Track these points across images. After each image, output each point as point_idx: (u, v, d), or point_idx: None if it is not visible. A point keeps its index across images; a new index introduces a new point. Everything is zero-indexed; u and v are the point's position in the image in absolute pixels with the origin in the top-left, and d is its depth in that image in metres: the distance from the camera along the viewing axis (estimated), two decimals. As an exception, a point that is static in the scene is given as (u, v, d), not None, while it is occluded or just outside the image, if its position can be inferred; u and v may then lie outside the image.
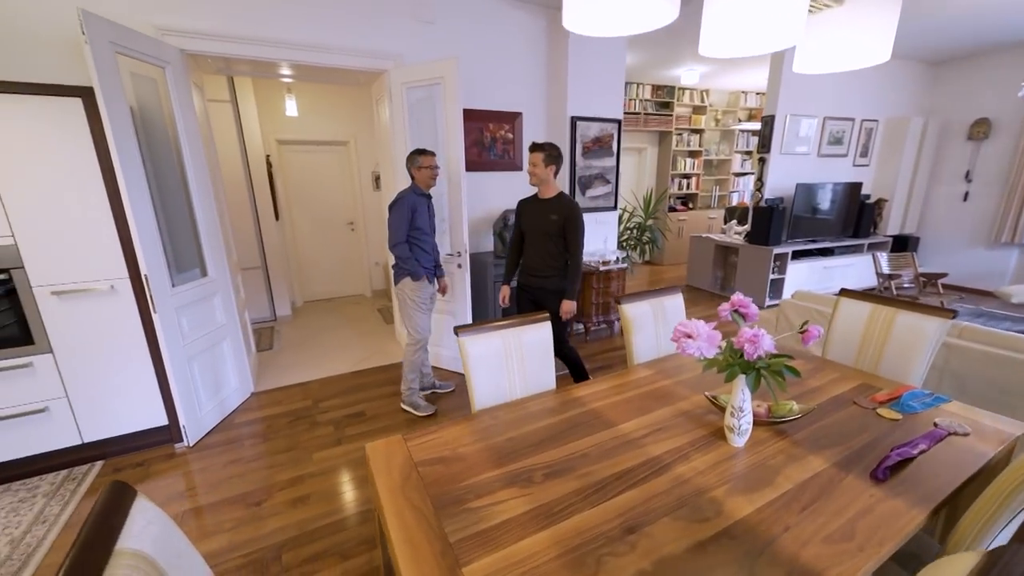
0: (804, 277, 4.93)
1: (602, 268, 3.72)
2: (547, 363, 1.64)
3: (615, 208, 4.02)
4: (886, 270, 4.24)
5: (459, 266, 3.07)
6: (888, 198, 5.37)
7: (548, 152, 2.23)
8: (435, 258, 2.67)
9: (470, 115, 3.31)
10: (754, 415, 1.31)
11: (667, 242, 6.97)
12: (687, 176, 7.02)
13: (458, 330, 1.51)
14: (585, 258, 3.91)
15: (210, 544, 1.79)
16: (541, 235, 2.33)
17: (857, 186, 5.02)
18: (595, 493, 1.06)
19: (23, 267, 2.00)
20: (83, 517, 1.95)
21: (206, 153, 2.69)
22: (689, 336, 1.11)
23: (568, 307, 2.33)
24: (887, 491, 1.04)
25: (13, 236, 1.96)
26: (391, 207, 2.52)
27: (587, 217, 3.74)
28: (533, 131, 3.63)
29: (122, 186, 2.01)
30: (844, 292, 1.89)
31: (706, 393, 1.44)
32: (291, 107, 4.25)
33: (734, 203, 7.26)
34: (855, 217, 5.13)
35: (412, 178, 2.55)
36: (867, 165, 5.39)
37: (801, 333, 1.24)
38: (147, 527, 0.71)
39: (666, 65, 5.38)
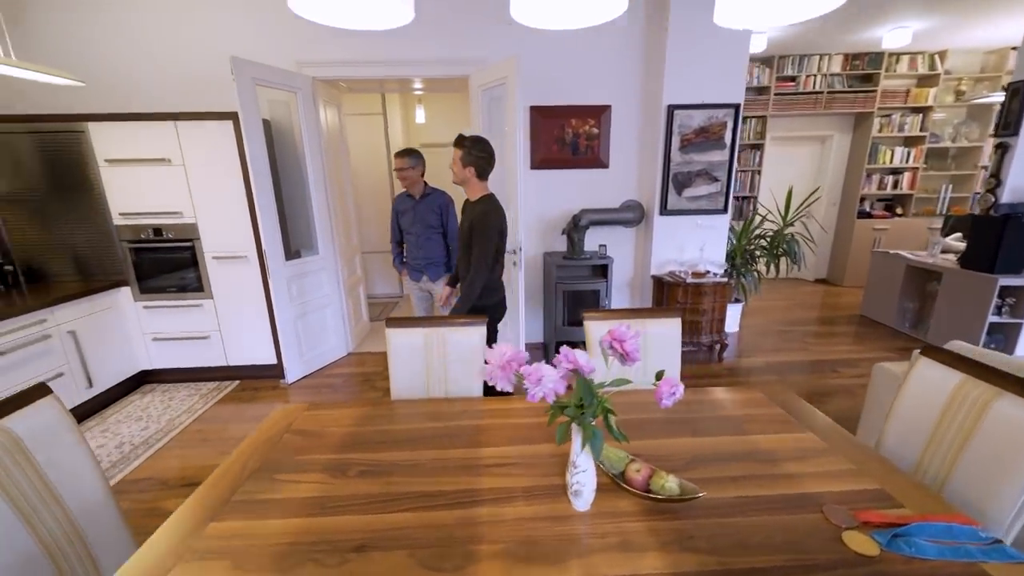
0: (1070, 327, 3.19)
1: (690, 280, 3.18)
2: (472, 368, 1.58)
3: (724, 211, 3.36)
4: None
5: (514, 264, 3.09)
6: None
7: (467, 150, 1.97)
8: (421, 256, 2.77)
9: (549, 112, 3.26)
10: (628, 481, 1.04)
11: (849, 258, 5.40)
12: (896, 171, 5.26)
13: (388, 321, 1.60)
14: (674, 267, 3.42)
15: (252, 458, 2.33)
16: (461, 243, 2.07)
17: None
18: (380, 503, 1.03)
19: (200, 238, 2.93)
20: (212, 415, 2.78)
21: (331, 158, 3.38)
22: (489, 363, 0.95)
23: None
24: (701, 637, 0.71)
25: (195, 216, 2.90)
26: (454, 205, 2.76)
27: (684, 220, 3.28)
28: (623, 124, 3.33)
29: (253, 184, 2.74)
30: (928, 351, 1.23)
31: None
32: (420, 115, 4.90)
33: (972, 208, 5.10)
34: None
35: None
36: None
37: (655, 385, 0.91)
38: (32, 417, 1.05)
39: (859, 26, 4.12)
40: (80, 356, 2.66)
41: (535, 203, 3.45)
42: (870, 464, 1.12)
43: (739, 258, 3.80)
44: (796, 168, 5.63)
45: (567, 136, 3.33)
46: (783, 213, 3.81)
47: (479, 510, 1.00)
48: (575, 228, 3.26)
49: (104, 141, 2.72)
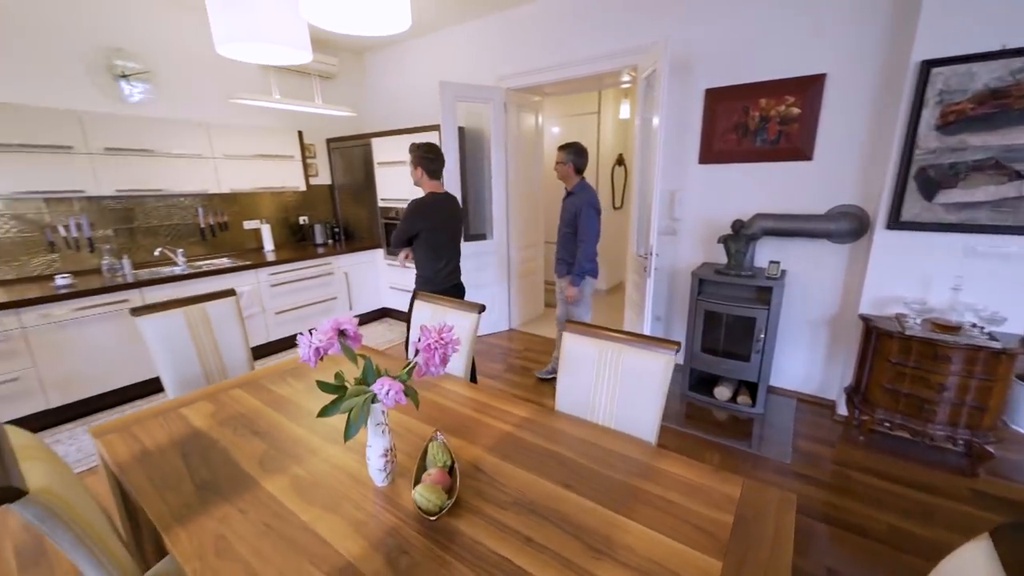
0: None
1: (917, 333, 2.05)
2: (461, 349, 1.70)
3: (1036, 230, 1.94)
4: None
5: (644, 269, 2.79)
6: None
7: (416, 154, 2.35)
8: (558, 251, 2.92)
9: (728, 93, 2.69)
10: (431, 474, 1.01)
11: None
12: None
13: (417, 293, 1.92)
14: (900, 309, 2.26)
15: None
16: None
17: None
18: (267, 425, 1.38)
19: (415, 219, 3.98)
20: (397, 351, 3.82)
21: (519, 157, 3.87)
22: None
23: None
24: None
25: (415, 203, 3.95)
26: (594, 207, 2.70)
27: (938, 239, 2.21)
28: (842, 98, 2.38)
29: (444, 180, 3.51)
30: (1000, 531, 0.58)
31: (437, 431, 1.14)
32: (624, 110, 4.74)
33: None
34: None
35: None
36: None
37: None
38: (220, 306, 1.91)
39: None
40: (348, 289, 4.16)
41: (700, 204, 2.94)
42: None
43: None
44: None
45: (751, 121, 2.66)
46: None
47: (312, 454, 1.21)
48: (735, 237, 2.61)
49: (377, 150, 4.06)
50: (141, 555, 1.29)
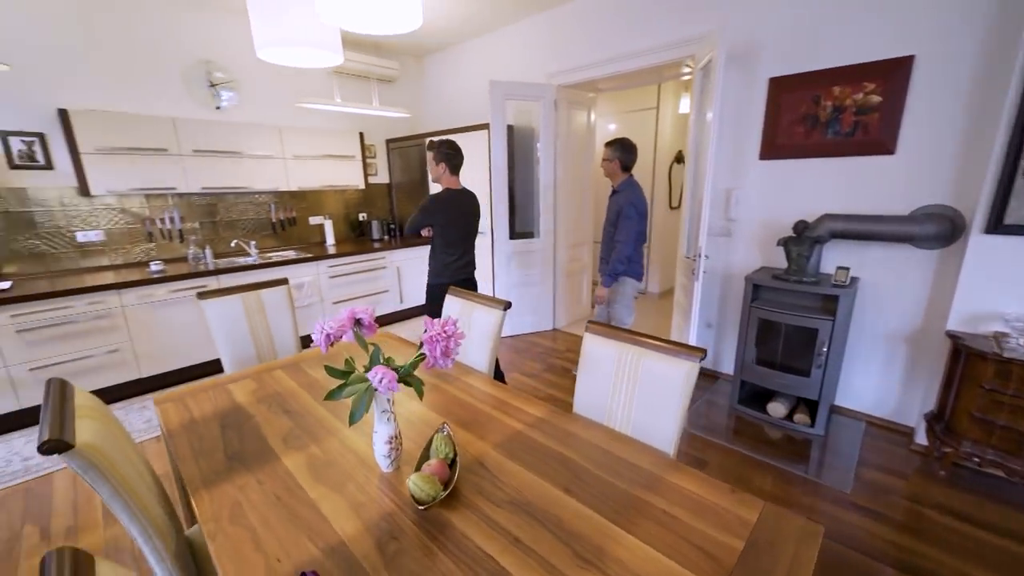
0: None
1: (1019, 355, 1.74)
2: (487, 344, 1.71)
3: None
4: None
5: (692, 272, 2.63)
6: None
7: (436, 150, 2.36)
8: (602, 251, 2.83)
9: (796, 82, 2.46)
10: (431, 464, 1.03)
11: None
12: None
13: (450, 289, 1.95)
14: (999, 327, 1.94)
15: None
16: None
17: None
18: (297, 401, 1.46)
19: (464, 217, 4.07)
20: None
21: (568, 155, 3.82)
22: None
23: None
24: (281, 578, 0.79)
25: (464, 201, 4.03)
26: (636, 208, 2.60)
27: None
28: (933, 83, 2.08)
29: (492, 178, 3.56)
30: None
31: (444, 423, 1.15)
32: (684, 104, 4.47)
33: None
34: None
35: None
36: None
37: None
38: (273, 294, 2.08)
39: None
40: (399, 283, 4.34)
41: (759, 203, 2.71)
42: None
43: None
44: None
45: (822, 112, 2.40)
46: None
47: (323, 440, 1.26)
48: (797, 239, 2.38)
49: (431, 149, 4.20)
50: (191, 515, 1.44)
